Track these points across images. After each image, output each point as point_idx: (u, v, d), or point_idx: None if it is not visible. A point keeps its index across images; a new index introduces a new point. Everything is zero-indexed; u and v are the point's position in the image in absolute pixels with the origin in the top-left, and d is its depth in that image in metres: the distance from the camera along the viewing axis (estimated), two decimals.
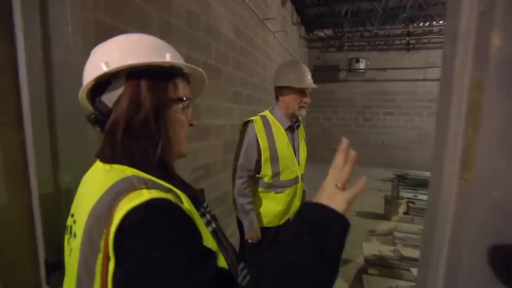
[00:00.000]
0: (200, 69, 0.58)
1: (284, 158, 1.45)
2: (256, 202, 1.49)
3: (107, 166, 0.49)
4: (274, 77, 1.55)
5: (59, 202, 0.80)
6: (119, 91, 0.50)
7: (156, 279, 0.37)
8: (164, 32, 1.77)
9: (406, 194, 4.09)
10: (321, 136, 7.49)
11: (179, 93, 0.55)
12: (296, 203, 1.58)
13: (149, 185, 0.44)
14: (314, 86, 1.48)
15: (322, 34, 7.33)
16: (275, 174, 1.46)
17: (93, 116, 0.52)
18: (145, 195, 0.42)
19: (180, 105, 0.55)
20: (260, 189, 1.49)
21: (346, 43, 7.23)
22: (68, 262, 0.50)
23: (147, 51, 0.52)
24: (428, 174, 5.31)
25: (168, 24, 1.82)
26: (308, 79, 1.47)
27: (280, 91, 1.50)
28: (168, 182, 0.48)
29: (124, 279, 0.39)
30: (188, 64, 0.56)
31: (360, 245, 2.80)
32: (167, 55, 0.53)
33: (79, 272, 0.44)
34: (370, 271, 2.32)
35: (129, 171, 0.47)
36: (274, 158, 1.44)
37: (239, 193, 1.44)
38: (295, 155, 1.52)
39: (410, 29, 6.59)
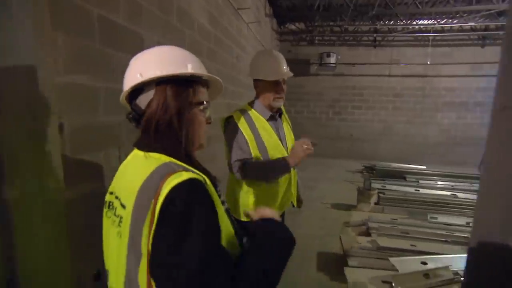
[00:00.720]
0: (217, 77, 0.70)
1: (271, 148, 1.42)
2: (251, 195, 1.43)
3: (147, 154, 0.62)
4: (249, 69, 1.48)
5: (8, 222, 0.61)
6: (150, 95, 0.63)
7: (177, 248, 0.50)
8: (133, 16, 1.55)
9: (376, 185, 4.28)
10: (292, 129, 7.55)
11: (198, 97, 0.67)
12: (292, 192, 1.55)
13: (184, 169, 0.57)
14: (290, 74, 1.43)
15: (293, 27, 7.32)
16: None
17: (131, 115, 0.66)
18: (184, 175, 0.55)
19: (200, 107, 0.67)
20: (254, 182, 1.43)
21: (317, 38, 7.31)
22: (112, 229, 0.62)
23: (172, 63, 0.64)
24: (394, 165, 5.68)
25: (138, 6, 1.61)
26: (283, 69, 1.41)
27: (255, 83, 1.46)
28: (193, 168, 0.61)
29: (156, 242, 0.52)
30: (207, 74, 0.68)
31: (337, 237, 2.85)
32: (189, 66, 0.65)
33: (131, 232, 0.56)
34: (351, 263, 2.36)
35: (164, 158, 0.61)
36: (262, 150, 1.40)
37: (247, 174, 1.36)
38: (282, 143, 1.47)
39: (377, 27, 6.85)
